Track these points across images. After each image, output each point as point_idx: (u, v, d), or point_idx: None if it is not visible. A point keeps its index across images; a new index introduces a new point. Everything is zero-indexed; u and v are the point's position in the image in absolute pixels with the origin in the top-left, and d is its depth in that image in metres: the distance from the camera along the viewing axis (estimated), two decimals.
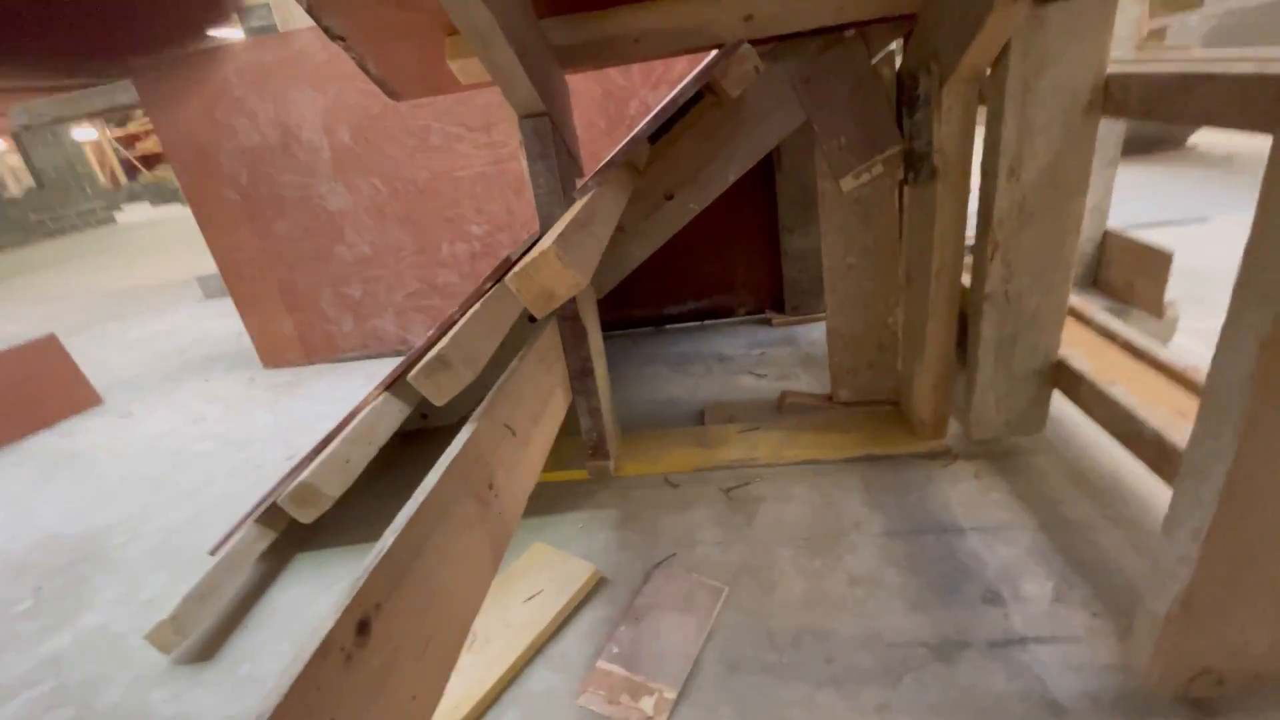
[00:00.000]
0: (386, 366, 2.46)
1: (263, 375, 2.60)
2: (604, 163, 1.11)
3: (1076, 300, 1.46)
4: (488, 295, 1.02)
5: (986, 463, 1.37)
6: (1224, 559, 0.71)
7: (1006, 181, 1.11)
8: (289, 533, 1.47)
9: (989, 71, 1.09)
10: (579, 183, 1.14)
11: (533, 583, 1.18)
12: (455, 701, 0.97)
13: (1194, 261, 2.16)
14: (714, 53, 1.06)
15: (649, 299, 2.43)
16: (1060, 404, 1.50)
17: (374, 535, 1.46)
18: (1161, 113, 0.93)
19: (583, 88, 2.06)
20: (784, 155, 2.06)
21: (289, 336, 2.56)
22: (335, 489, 0.96)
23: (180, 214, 10.46)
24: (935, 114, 1.15)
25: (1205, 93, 0.83)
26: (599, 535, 1.34)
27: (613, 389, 2.00)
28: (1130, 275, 1.66)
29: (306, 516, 0.97)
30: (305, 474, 0.94)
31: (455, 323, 0.96)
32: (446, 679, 0.70)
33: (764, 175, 2.15)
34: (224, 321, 3.51)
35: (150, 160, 14.49)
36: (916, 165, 1.24)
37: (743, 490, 1.41)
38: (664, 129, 1.46)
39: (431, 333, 1.16)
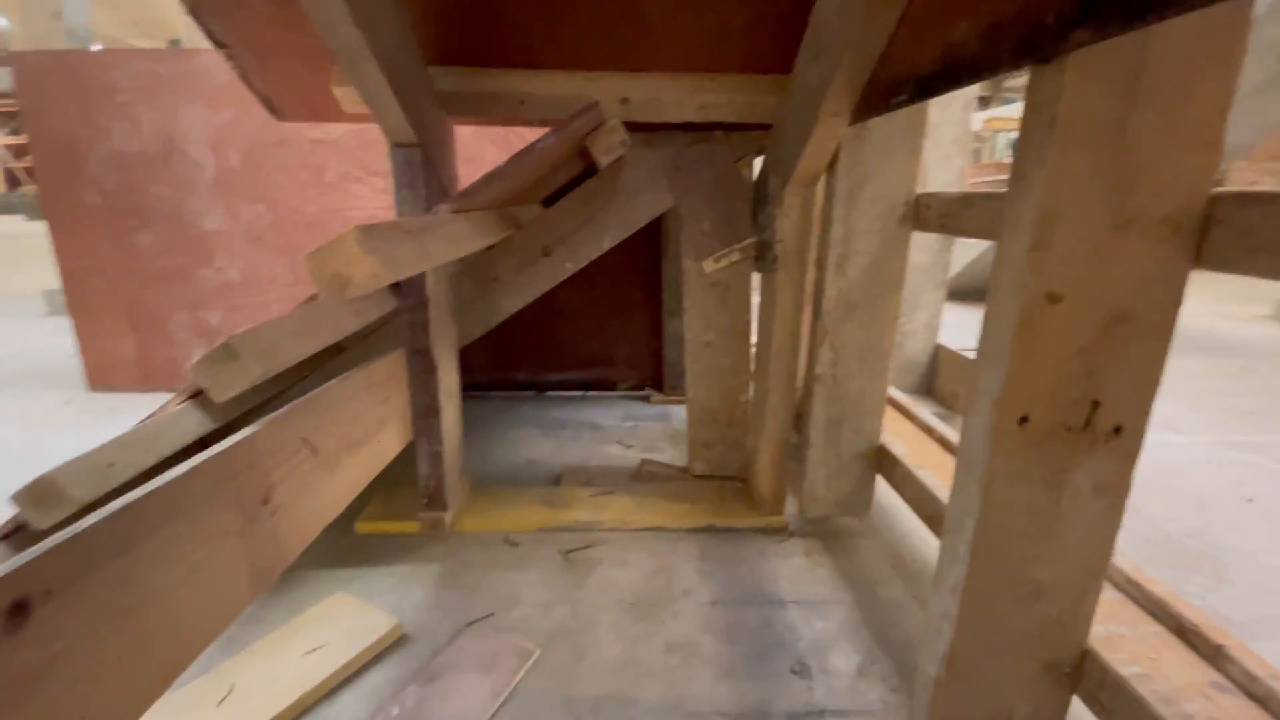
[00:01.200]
0: None
1: (84, 397, 2.29)
2: (461, 193, 1.13)
3: (905, 399, 1.59)
4: (311, 302, 0.97)
5: (818, 541, 1.40)
6: (977, 613, 0.75)
7: (835, 275, 1.23)
8: None
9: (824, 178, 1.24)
10: (440, 207, 1.15)
11: (320, 635, 1.05)
12: None
13: None
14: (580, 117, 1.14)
15: (533, 364, 2.42)
16: (888, 495, 1.59)
17: None
18: (952, 226, 1.08)
19: (488, 153, 2.14)
20: (670, 242, 2.19)
21: (125, 358, 2.31)
22: (83, 492, 0.83)
23: None
24: (779, 210, 1.28)
25: (976, 207, 0.98)
26: (414, 591, 1.23)
27: (476, 446, 1.93)
28: (956, 385, 1.85)
29: (41, 520, 0.82)
30: (51, 469, 0.81)
31: None
32: (142, 708, 0.59)
33: (652, 259, 2.27)
34: (60, 340, 3.12)
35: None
36: (764, 254, 1.35)
37: (582, 553, 1.36)
38: (557, 196, 1.52)
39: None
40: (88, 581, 0.54)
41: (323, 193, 2.17)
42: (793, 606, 1.19)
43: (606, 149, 1.22)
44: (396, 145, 1.15)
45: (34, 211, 12.04)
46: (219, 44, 1.22)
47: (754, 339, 1.55)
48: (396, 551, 1.35)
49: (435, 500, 1.40)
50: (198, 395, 1.09)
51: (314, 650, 1.01)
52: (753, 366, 1.53)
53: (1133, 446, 0.70)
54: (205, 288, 2.24)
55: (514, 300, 1.54)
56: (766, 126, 1.37)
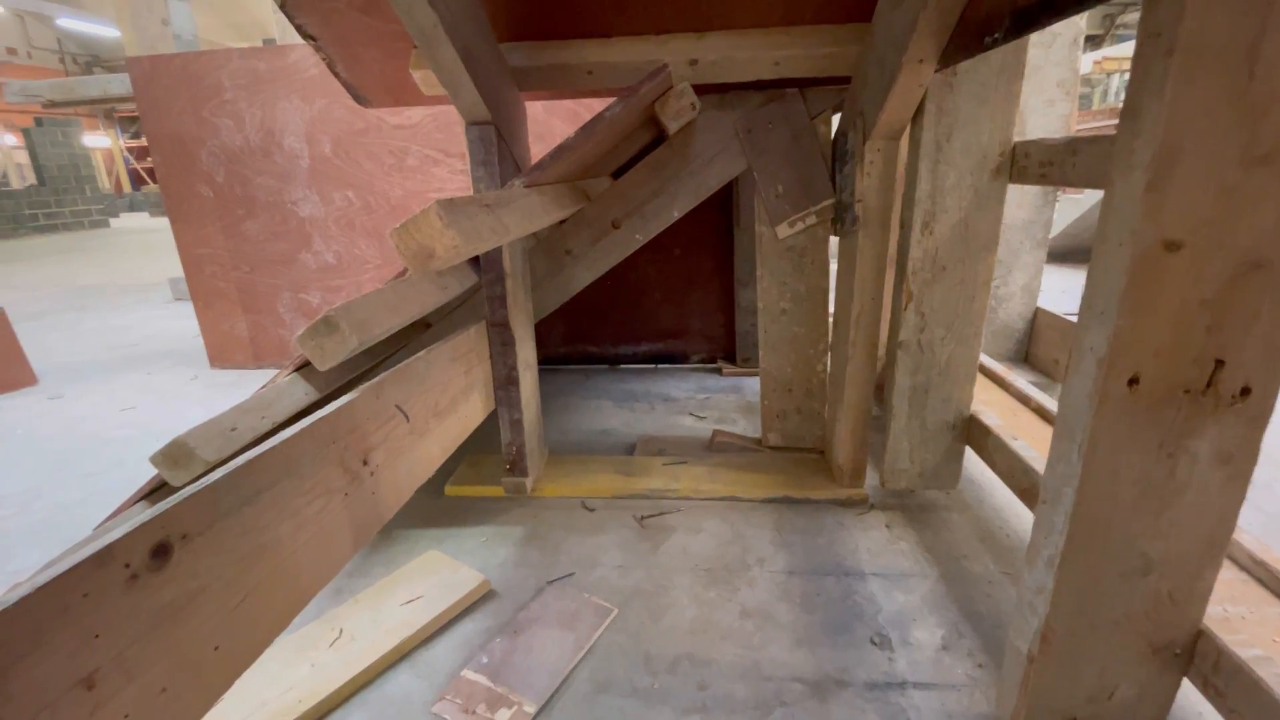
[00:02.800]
0: None
1: (207, 374, 2.55)
2: (533, 168, 1.15)
3: (999, 367, 1.50)
4: (404, 278, 1.03)
5: (900, 514, 1.36)
6: (1077, 589, 0.71)
7: (921, 235, 1.17)
8: None
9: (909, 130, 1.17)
10: (515, 180, 1.18)
11: (417, 588, 1.13)
12: (300, 695, 0.91)
13: None
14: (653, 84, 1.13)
15: (606, 337, 2.46)
16: (979, 468, 1.51)
17: None
18: (1054, 176, 0.99)
19: (558, 129, 2.16)
20: (742, 211, 2.14)
21: (240, 337, 2.54)
22: (211, 453, 0.93)
23: None
24: (859, 167, 1.22)
25: (1083, 154, 0.89)
26: (500, 550, 1.30)
27: (553, 417, 1.99)
28: (1057, 351, 1.72)
29: (176, 478, 0.93)
30: (183, 432, 0.91)
31: None
32: (265, 643, 0.66)
33: (724, 229, 2.23)
34: (184, 323, 3.48)
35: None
36: (842, 215, 1.30)
37: (657, 520, 1.38)
38: (627, 167, 1.53)
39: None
40: (218, 528, 0.61)
41: (406, 177, 2.28)
42: (873, 578, 1.16)
43: (675, 114, 1.20)
44: (472, 124, 1.18)
45: (156, 208, 13.36)
46: (308, 37, 1.29)
47: (831, 306, 1.50)
48: (482, 514, 1.43)
49: (517, 466, 1.47)
50: (303, 368, 1.18)
51: (411, 601, 1.10)
52: (830, 335, 1.49)
53: (1262, 410, 0.63)
54: (305, 271, 2.42)
55: (586, 274, 1.57)
56: (845, 80, 1.31)
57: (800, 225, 1.42)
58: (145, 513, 0.54)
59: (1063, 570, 0.70)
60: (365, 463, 0.86)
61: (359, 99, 1.49)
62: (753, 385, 2.20)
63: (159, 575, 0.54)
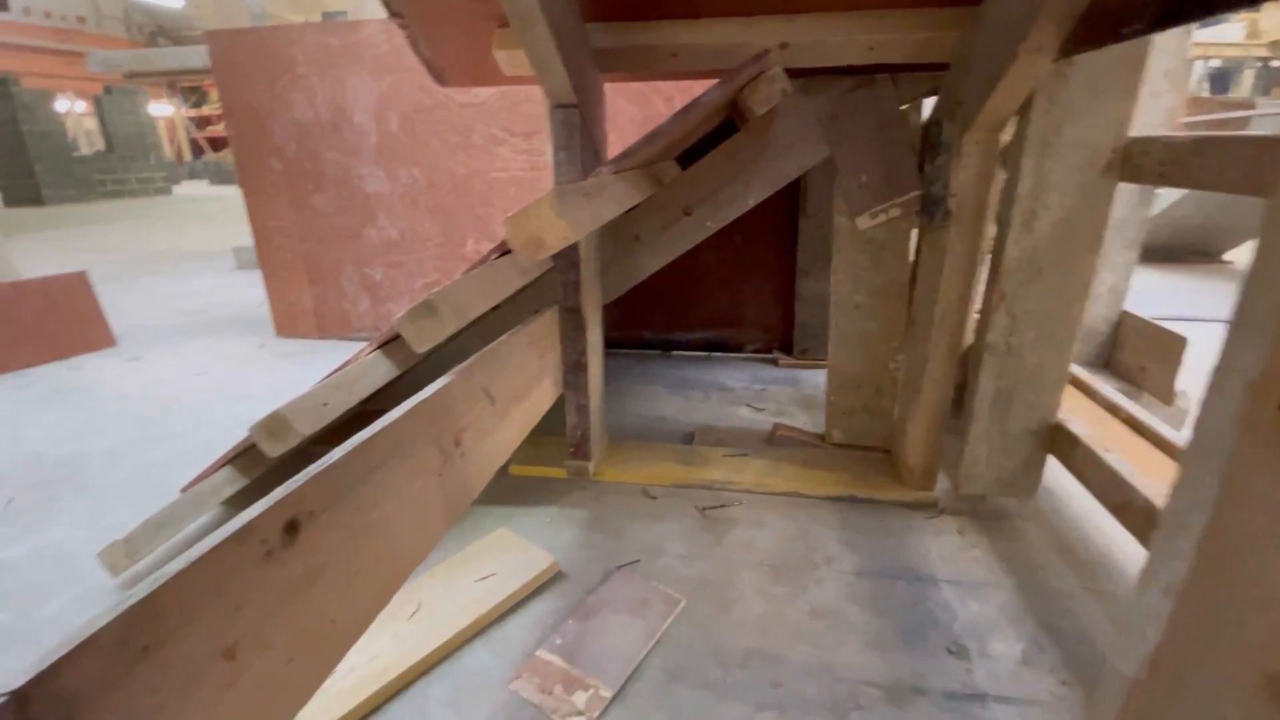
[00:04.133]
0: None
1: (274, 342, 2.64)
2: (621, 154, 1.13)
3: (1083, 373, 1.44)
4: (491, 262, 1.04)
5: (972, 520, 1.33)
6: (1195, 617, 0.67)
7: (1019, 233, 1.11)
8: (260, 483, 1.46)
9: (1012, 124, 1.11)
10: (600, 169, 1.17)
11: (489, 565, 1.16)
12: (385, 665, 0.94)
13: (1210, 360, 2.12)
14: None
15: (660, 323, 2.45)
16: (1057, 476, 1.46)
17: None
18: (1177, 177, 0.93)
19: (624, 111, 2.13)
20: (810, 198, 2.09)
21: (306, 308, 2.61)
22: (306, 426, 0.96)
23: (233, 194, 10.87)
24: (955, 159, 1.17)
25: (1215, 155, 0.83)
26: (565, 532, 1.31)
27: (609, 401, 2.00)
28: (1143, 358, 1.64)
29: (273, 449, 0.97)
30: (280, 406, 0.95)
31: None
32: (370, 617, 0.68)
33: (788, 216, 2.18)
34: (250, 291, 3.60)
35: (217, 143, 15.21)
36: (932, 209, 1.25)
37: (718, 511, 1.38)
38: (694, 154, 1.50)
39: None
40: (338, 506, 0.63)
41: (470, 155, 2.29)
42: (946, 585, 1.14)
43: (764, 99, 1.17)
44: (557, 106, 1.17)
45: (215, 176, 13.81)
46: (394, 14, 1.29)
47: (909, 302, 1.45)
48: (546, 494, 1.45)
49: (581, 450, 1.48)
50: (387, 345, 1.21)
51: (484, 578, 1.12)
52: (906, 332, 1.45)
53: None
54: (370, 245, 2.47)
55: (654, 260, 1.55)
56: (942, 66, 1.25)
57: (882, 217, 1.37)
58: (277, 491, 0.56)
59: (1183, 597, 0.67)
60: (457, 444, 0.87)
61: (438, 77, 1.50)
62: (811, 378, 2.17)
63: (289, 551, 0.56)
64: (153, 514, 1.21)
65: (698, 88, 2.07)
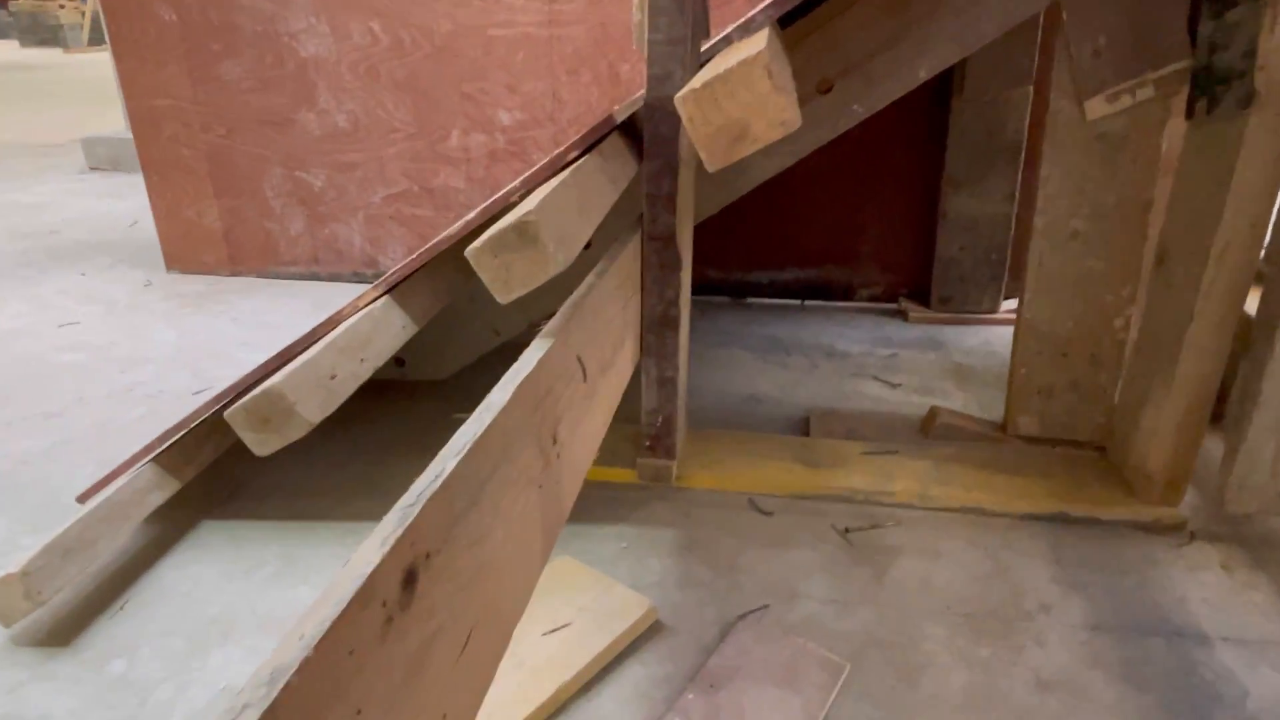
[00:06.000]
0: (344, 293, 2.42)
1: (165, 279, 2.57)
2: (764, 5, 1.05)
3: None
4: (576, 165, 0.97)
5: (1239, 549, 1.30)
6: None
7: None
8: (196, 489, 1.42)
9: None
10: (726, 32, 1.08)
11: (558, 610, 1.13)
12: None
13: None
14: None
15: (733, 258, 2.41)
16: None
17: (315, 512, 1.42)
18: None
19: None
20: (969, 72, 2.01)
21: (210, 230, 2.54)
22: (313, 410, 0.91)
23: (60, 61, 10.56)
24: (1267, 12, 1.08)
25: None
26: (650, 562, 1.29)
27: None
28: None
29: (264, 445, 0.92)
30: (274, 379, 0.89)
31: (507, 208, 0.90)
32: (478, 702, 0.65)
33: (929, 100, 2.11)
34: (113, 203, 3.50)
35: None
36: (1215, 88, 1.18)
37: (869, 534, 1.35)
38: (806, 8, 1.41)
39: (470, 216, 1.11)
40: (452, 540, 0.58)
41: (457, 4, 2.18)
42: (1221, 645, 1.11)
43: None
44: None
45: (28, 35, 13.39)
46: None
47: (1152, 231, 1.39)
48: (613, 506, 1.42)
49: (660, 443, 1.44)
50: (396, 288, 1.15)
51: (555, 630, 1.09)
52: (1144, 275, 1.39)
53: None
54: (306, 137, 2.37)
55: (770, 161, 1.50)
56: None
57: (1126, 101, 1.30)
58: (390, 524, 0.50)
59: None
60: (554, 440, 0.83)
61: None
62: (959, 340, 2.13)
63: (407, 615, 0.51)
64: (55, 536, 1.16)
65: None
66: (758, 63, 0.60)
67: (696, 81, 0.61)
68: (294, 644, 0.42)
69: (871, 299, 2.37)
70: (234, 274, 2.58)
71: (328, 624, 0.43)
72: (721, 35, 1.05)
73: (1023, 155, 2.05)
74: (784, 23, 1.42)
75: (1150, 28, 1.26)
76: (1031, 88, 1.98)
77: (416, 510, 0.53)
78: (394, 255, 2.48)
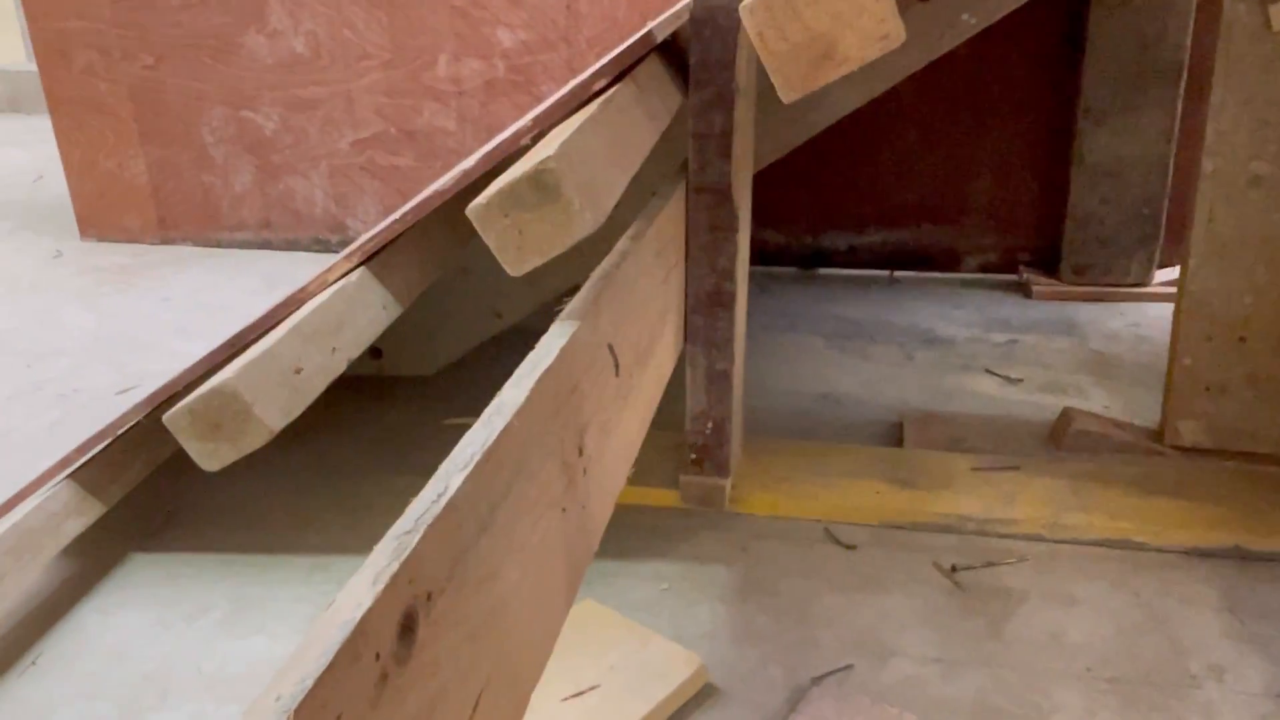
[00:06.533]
0: (304, 264, 2.46)
1: (78, 250, 2.64)
2: None
3: None
4: (605, 97, 0.98)
5: None
6: None
7: None
8: (124, 513, 1.46)
9: None
10: None
11: (583, 668, 1.14)
12: None
13: None
14: None
15: (799, 216, 2.43)
16: None
17: (272, 543, 1.46)
18: None
19: None
20: None
21: (135, 186, 2.60)
22: (275, 414, 0.93)
23: None
24: None
25: None
26: (700, 609, 1.31)
27: None
28: None
29: (213, 457, 0.94)
30: (225, 374, 0.91)
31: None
32: None
33: (1065, 3, 2.11)
34: (12, 154, 3.59)
35: None
36: None
37: (982, 574, 1.37)
38: None
39: (469, 163, 1.12)
40: (458, 576, 0.59)
41: None
42: None
43: None
44: None
45: None
46: None
47: None
48: (650, 536, 1.45)
49: (710, 456, 1.46)
50: (373, 259, 1.17)
51: (579, 695, 1.11)
52: None
53: None
54: (254, 65, 2.42)
55: (853, 88, 1.51)
56: None
57: None
58: (384, 556, 0.52)
59: None
60: (580, 450, 0.85)
61: None
62: (1099, 321, 2.14)
63: (405, 669, 0.53)
64: None
65: None
66: None
67: None
68: (269, 709, 0.43)
69: (983, 268, 2.39)
70: (165, 242, 2.64)
71: (310, 683, 0.44)
72: None
73: (1184, 78, 2.03)
74: None
75: None
76: None
77: (416, 539, 0.54)
78: (366, 217, 2.52)
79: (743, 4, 0.60)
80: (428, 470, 0.61)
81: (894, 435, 1.72)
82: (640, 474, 1.52)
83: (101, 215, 2.65)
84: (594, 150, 0.85)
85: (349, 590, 0.50)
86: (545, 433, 0.75)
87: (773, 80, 0.64)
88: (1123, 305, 2.20)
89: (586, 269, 0.99)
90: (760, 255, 2.42)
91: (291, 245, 2.59)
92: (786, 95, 0.64)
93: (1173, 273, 2.11)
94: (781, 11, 0.61)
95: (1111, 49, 2.05)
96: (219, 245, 2.61)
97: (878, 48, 0.61)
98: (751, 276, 2.36)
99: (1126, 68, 2.05)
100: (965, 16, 1.42)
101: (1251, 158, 1.40)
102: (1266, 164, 1.39)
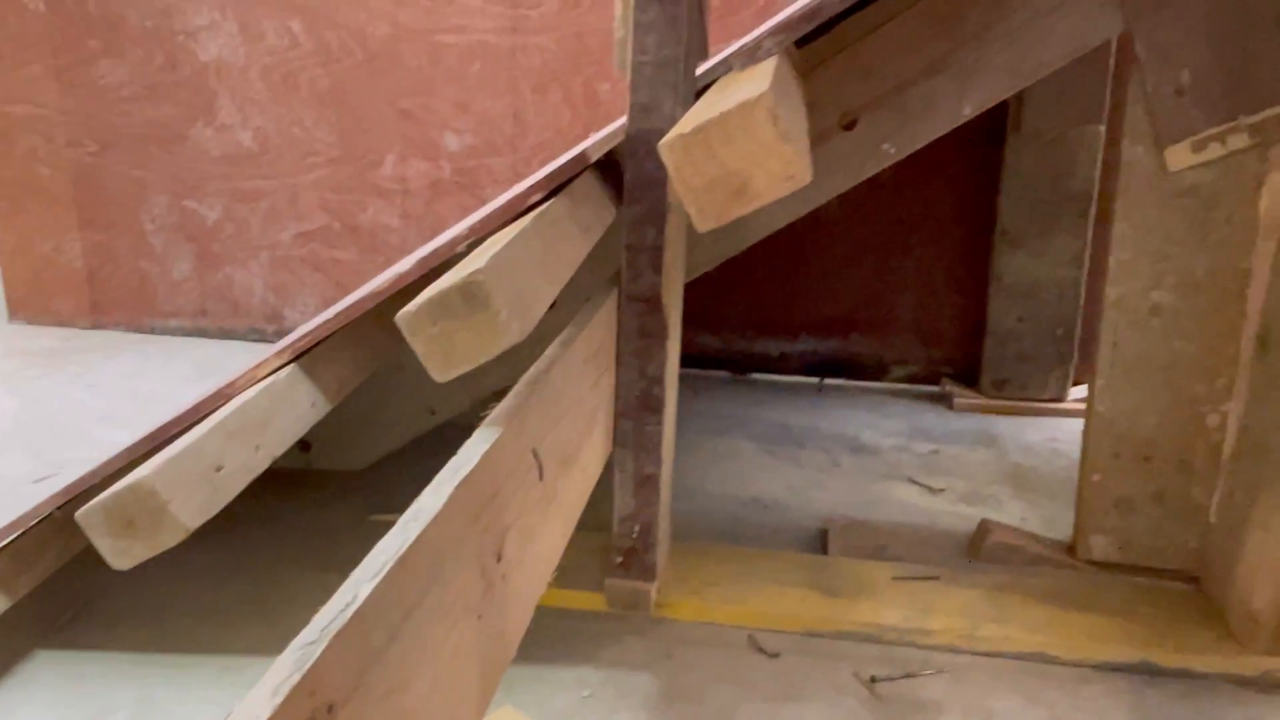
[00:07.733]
0: (238, 353, 2.43)
1: (3, 331, 2.58)
2: (772, 26, 1.11)
3: None
4: (540, 210, 1.00)
5: None
6: None
7: None
8: (29, 607, 1.41)
9: None
10: (726, 54, 1.13)
11: None
12: None
13: None
14: None
15: (732, 323, 2.46)
16: None
17: (185, 642, 1.42)
18: None
19: None
20: (1028, 102, 2.10)
21: (69, 270, 2.56)
22: (192, 513, 0.92)
23: None
24: None
25: None
26: (622, 717, 1.28)
27: None
28: None
29: (124, 555, 0.92)
30: (143, 470, 0.90)
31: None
32: None
33: (978, 137, 2.19)
34: None
35: None
36: None
37: (901, 686, 1.36)
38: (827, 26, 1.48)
39: (404, 267, 1.14)
40: (363, 688, 0.58)
41: (398, 2, 2.26)
42: None
43: None
44: None
45: None
46: None
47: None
48: (572, 640, 1.42)
49: (636, 560, 1.45)
50: (304, 356, 1.17)
51: None
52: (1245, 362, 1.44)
53: None
54: (201, 157, 2.43)
55: (781, 208, 1.54)
56: None
57: (1215, 150, 1.37)
58: (285, 668, 0.51)
59: None
60: (499, 556, 0.84)
61: None
62: (1017, 434, 2.17)
63: None
64: None
65: None
66: (760, 105, 0.63)
67: (685, 124, 0.65)
68: None
69: (908, 379, 2.41)
70: (96, 326, 2.60)
71: None
72: (721, 58, 1.11)
73: (1093, 208, 2.12)
74: (801, 41, 1.49)
75: (1244, 62, 1.33)
76: (1103, 127, 2.06)
77: (319, 650, 0.53)
78: (304, 308, 2.50)
79: (661, 142, 0.63)
80: (353, 567, 0.61)
81: (819, 541, 1.71)
82: (565, 576, 1.51)
83: (33, 298, 2.61)
84: (524, 262, 0.87)
85: (248, 702, 0.49)
86: (463, 539, 0.74)
87: (689, 211, 0.67)
88: (1040, 420, 2.24)
89: (522, 367, 1.00)
90: (695, 359, 2.45)
91: (227, 334, 2.56)
92: (702, 226, 0.67)
93: (1085, 391, 2.17)
94: (698, 150, 0.63)
95: (1025, 178, 2.13)
96: (153, 331, 2.57)
97: (786, 186, 0.64)
98: (685, 379, 2.39)
99: (1040, 196, 2.13)
100: (886, 146, 1.47)
101: (1151, 288, 1.44)
102: (1165, 294, 1.44)
